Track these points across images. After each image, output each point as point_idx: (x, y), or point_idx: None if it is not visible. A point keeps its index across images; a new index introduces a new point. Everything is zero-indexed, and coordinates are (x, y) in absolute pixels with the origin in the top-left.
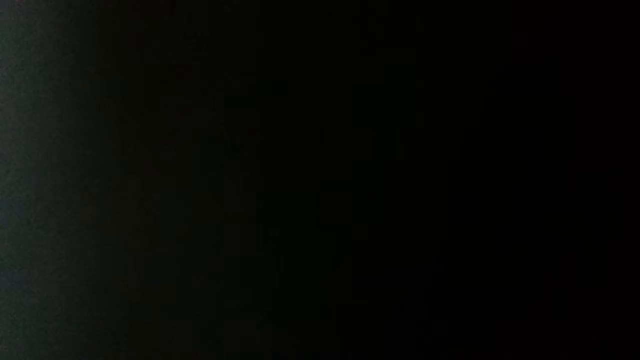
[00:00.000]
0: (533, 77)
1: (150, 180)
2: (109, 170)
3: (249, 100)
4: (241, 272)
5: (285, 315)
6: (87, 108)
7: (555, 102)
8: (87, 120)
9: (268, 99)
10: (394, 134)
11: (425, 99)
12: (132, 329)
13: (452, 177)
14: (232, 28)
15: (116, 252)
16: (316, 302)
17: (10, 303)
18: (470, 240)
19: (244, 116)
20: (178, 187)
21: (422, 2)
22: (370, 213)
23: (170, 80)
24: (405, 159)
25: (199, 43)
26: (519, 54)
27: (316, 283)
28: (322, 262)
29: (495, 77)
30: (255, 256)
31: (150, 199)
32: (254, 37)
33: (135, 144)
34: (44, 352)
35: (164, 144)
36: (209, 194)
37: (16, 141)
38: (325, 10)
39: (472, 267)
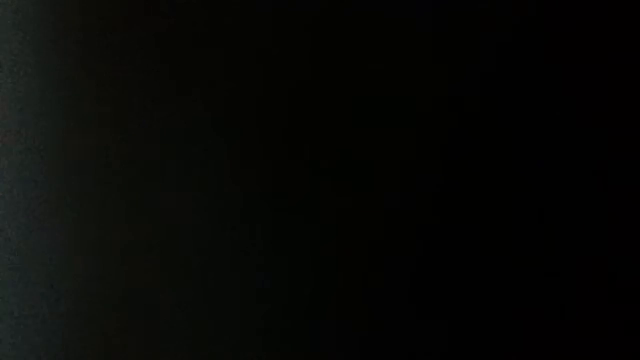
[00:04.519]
0: (532, 77)
1: (150, 180)
2: (108, 170)
3: (249, 100)
4: (241, 272)
5: (285, 315)
6: (87, 108)
7: (554, 101)
8: (87, 121)
9: (267, 99)
10: (393, 134)
11: (421, 98)
12: (131, 329)
13: (452, 178)
14: (234, 27)
15: (116, 252)
16: (316, 302)
17: (10, 303)
18: (473, 240)
19: (244, 116)
20: (178, 187)
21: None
22: (370, 213)
23: (171, 81)
24: (404, 158)
25: (199, 43)
26: (518, 53)
27: (316, 283)
28: (323, 263)
29: (494, 76)
30: (256, 256)
31: (150, 199)
32: (255, 37)
33: (135, 144)
34: (44, 351)
35: (164, 144)
36: (209, 194)
37: (16, 141)
38: (326, 11)
39: (473, 267)
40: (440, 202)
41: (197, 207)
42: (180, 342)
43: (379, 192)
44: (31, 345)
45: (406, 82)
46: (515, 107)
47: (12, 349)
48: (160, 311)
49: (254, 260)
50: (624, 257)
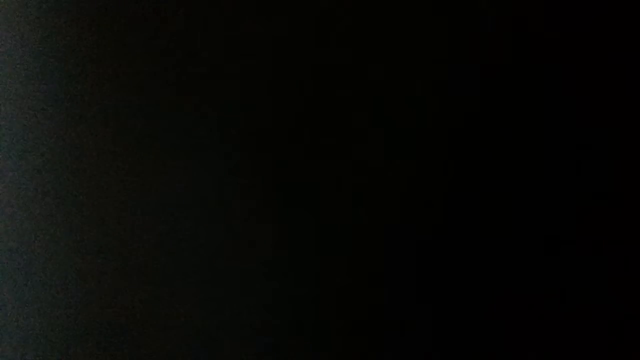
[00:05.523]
0: (533, 77)
1: (150, 180)
2: (108, 171)
3: (250, 100)
4: (241, 273)
5: (284, 316)
6: (87, 109)
7: (554, 101)
8: (87, 121)
9: (268, 99)
10: (391, 134)
11: (421, 98)
12: (131, 329)
13: (453, 178)
14: (234, 27)
15: (116, 252)
16: (316, 302)
17: (9, 303)
18: (474, 240)
19: (245, 116)
20: (178, 187)
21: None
22: (369, 213)
23: (171, 81)
24: (404, 158)
25: (199, 43)
26: (518, 53)
27: (317, 283)
28: (323, 262)
29: (493, 76)
30: (256, 256)
31: (150, 199)
32: (255, 38)
33: (135, 144)
34: (43, 351)
35: (164, 144)
36: (208, 194)
37: (16, 141)
38: (325, 12)
39: (474, 267)
40: (441, 202)
41: (197, 207)
42: (181, 342)
43: (379, 192)
44: (31, 345)
45: (406, 82)
46: (516, 107)
47: (11, 348)
48: (161, 311)
49: (254, 260)
50: (624, 257)
